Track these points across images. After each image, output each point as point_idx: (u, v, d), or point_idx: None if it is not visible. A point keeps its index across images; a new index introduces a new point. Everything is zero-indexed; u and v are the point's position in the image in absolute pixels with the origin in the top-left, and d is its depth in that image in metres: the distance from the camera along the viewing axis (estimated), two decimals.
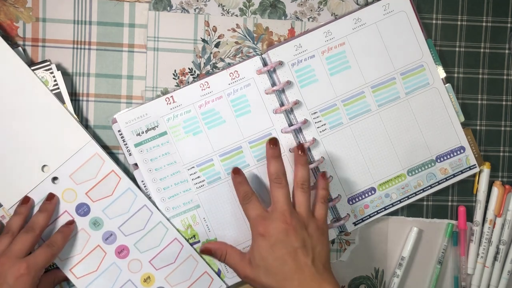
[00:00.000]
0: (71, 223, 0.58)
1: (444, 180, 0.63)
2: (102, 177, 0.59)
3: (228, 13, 0.62)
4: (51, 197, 0.57)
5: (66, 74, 0.61)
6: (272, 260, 0.53)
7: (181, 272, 0.60)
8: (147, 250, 0.60)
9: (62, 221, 0.58)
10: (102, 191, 0.59)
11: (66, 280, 0.59)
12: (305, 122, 0.61)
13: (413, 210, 0.65)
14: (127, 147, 0.59)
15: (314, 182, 0.61)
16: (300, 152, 0.57)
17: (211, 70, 0.62)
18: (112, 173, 0.59)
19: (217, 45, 0.62)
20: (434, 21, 0.64)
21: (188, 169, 0.60)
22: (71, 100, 0.60)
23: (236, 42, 0.62)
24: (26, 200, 0.57)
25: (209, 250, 0.59)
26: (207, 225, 0.61)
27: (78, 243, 0.58)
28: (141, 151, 0.59)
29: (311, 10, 0.63)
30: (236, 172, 0.58)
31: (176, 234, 0.60)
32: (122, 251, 0.59)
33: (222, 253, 0.58)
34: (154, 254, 0.60)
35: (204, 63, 0.62)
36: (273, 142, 0.57)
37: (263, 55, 0.61)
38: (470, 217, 0.65)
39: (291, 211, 0.55)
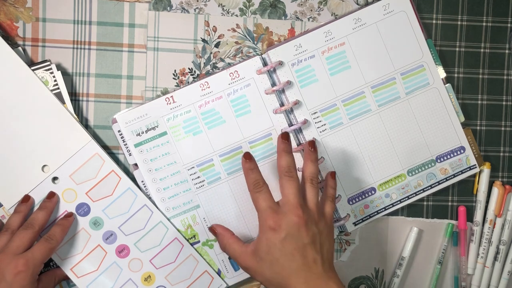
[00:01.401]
0: (70, 215, 0.58)
1: (444, 180, 0.63)
2: (102, 177, 0.59)
3: (228, 13, 0.62)
4: (51, 195, 0.58)
5: (66, 74, 0.61)
6: (280, 255, 0.52)
7: (182, 271, 0.60)
8: (147, 250, 0.60)
9: None
10: (102, 191, 0.59)
11: (67, 279, 0.59)
12: (305, 122, 0.61)
13: (413, 210, 0.65)
14: (127, 147, 0.59)
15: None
16: (311, 149, 0.57)
17: (211, 70, 0.62)
18: (112, 173, 0.59)
19: (217, 45, 0.62)
20: (434, 21, 0.64)
21: (188, 169, 0.60)
22: (71, 100, 0.60)
23: (236, 42, 0.62)
24: (26, 199, 0.57)
25: (214, 233, 0.59)
26: (207, 225, 0.61)
27: (78, 243, 0.59)
28: (141, 151, 0.59)
29: (311, 10, 0.63)
30: (248, 157, 0.55)
31: (176, 234, 0.60)
32: (122, 251, 0.59)
33: (223, 241, 0.57)
34: (154, 254, 0.60)
35: (204, 63, 0.62)
36: (286, 137, 0.57)
37: (263, 55, 0.61)
38: (470, 217, 0.65)
39: (303, 205, 0.53)
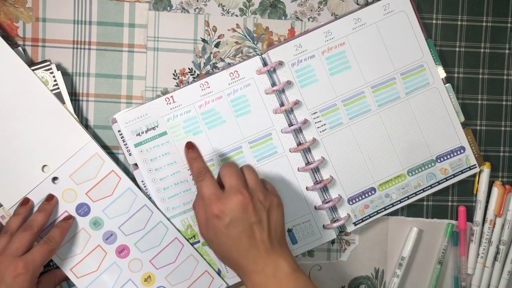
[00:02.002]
0: (69, 218, 0.58)
1: (444, 180, 0.63)
2: (102, 177, 0.59)
3: (228, 13, 0.62)
4: (50, 198, 0.58)
5: (66, 74, 0.61)
6: (227, 239, 0.52)
7: (182, 271, 0.60)
8: (147, 250, 0.60)
9: None
10: (102, 191, 0.59)
11: (67, 279, 0.59)
12: (305, 122, 0.61)
13: (413, 210, 0.65)
14: (127, 147, 0.59)
15: (315, 183, 0.61)
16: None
17: (211, 70, 0.62)
18: (112, 173, 0.59)
19: (217, 45, 0.62)
20: (434, 21, 0.64)
21: (188, 169, 0.60)
22: (71, 100, 0.60)
23: (236, 42, 0.62)
24: (25, 201, 0.57)
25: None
26: None
27: (78, 243, 0.58)
28: (141, 151, 0.59)
29: (311, 10, 0.63)
30: (190, 147, 0.57)
31: (176, 234, 0.60)
32: (122, 251, 0.59)
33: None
34: (154, 254, 0.60)
35: (204, 63, 0.62)
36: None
37: (263, 55, 0.61)
38: (470, 217, 0.65)
39: (245, 186, 0.54)
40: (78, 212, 0.59)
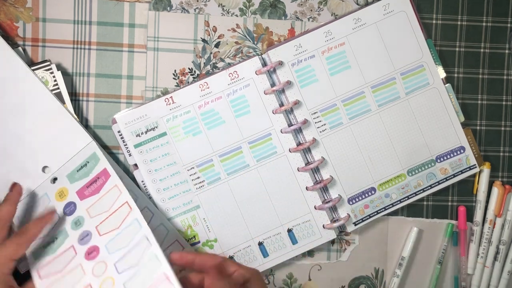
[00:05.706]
0: (51, 213, 0.54)
1: (444, 180, 0.63)
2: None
3: (228, 13, 0.62)
4: (13, 185, 0.55)
5: (66, 74, 0.61)
6: None
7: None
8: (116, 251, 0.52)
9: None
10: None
11: None
12: (305, 122, 0.61)
13: (413, 210, 0.65)
14: (127, 147, 0.59)
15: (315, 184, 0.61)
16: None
17: (211, 70, 0.62)
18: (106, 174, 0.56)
19: (217, 45, 0.62)
20: (434, 21, 0.64)
21: (188, 170, 0.60)
22: (71, 100, 0.60)
23: (236, 42, 0.62)
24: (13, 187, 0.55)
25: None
26: (207, 225, 0.61)
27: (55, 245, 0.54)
28: (141, 152, 0.59)
29: (311, 10, 0.62)
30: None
31: (176, 236, 0.60)
32: (91, 252, 0.53)
33: None
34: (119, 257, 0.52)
35: (204, 63, 0.62)
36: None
37: (263, 55, 0.61)
38: (470, 217, 0.65)
39: None
40: (65, 211, 0.56)
